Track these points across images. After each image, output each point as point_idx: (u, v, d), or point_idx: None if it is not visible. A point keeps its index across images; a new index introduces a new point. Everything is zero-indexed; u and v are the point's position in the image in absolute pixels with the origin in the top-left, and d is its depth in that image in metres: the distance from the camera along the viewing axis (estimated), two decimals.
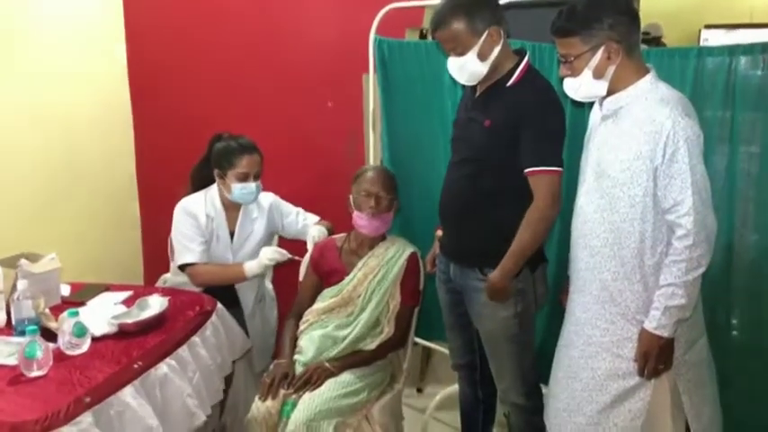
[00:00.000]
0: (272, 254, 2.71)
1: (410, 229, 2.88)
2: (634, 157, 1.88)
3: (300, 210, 2.99)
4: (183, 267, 2.77)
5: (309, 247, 2.76)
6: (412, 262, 2.56)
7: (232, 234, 2.84)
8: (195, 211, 2.79)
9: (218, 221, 2.81)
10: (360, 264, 2.55)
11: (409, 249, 2.58)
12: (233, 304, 2.76)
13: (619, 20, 1.87)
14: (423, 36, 3.20)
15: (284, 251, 2.73)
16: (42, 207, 2.94)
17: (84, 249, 3.15)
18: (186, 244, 2.76)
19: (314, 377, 2.37)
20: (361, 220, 2.52)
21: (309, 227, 2.90)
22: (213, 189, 2.84)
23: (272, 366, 2.49)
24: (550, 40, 2.01)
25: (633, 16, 1.92)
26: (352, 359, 2.46)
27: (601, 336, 2.02)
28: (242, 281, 2.78)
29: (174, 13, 3.38)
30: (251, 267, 2.71)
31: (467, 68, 2.18)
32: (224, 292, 2.74)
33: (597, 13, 1.88)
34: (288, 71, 3.28)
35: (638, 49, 1.96)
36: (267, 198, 2.93)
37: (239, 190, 2.73)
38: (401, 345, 2.61)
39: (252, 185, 2.75)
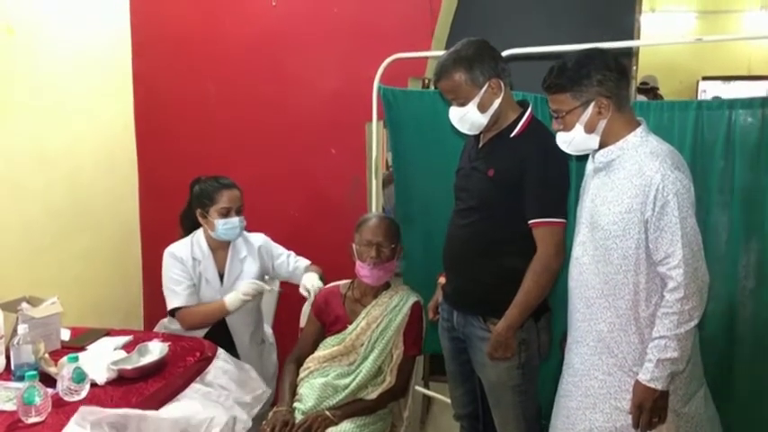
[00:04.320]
0: (246, 287, 2.70)
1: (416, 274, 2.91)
2: (625, 209, 1.90)
3: (291, 253, 2.98)
4: (173, 313, 2.77)
5: (304, 293, 2.74)
6: (415, 311, 2.55)
7: (222, 276, 2.83)
8: (181, 255, 2.79)
9: (205, 264, 2.80)
10: (363, 312, 2.54)
11: (413, 298, 2.57)
12: (228, 349, 2.74)
13: (608, 76, 1.92)
14: (425, 86, 3.26)
15: (260, 283, 2.72)
16: (44, 249, 2.94)
17: (84, 292, 3.14)
18: (173, 288, 2.76)
19: (314, 426, 2.34)
20: (364, 270, 2.52)
21: (301, 270, 2.90)
22: (199, 232, 2.85)
23: (271, 414, 2.46)
24: None
25: (621, 72, 1.97)
26: (353, 408, 2.43)
27: (599, 387, 2.02)
28: (226, 314, 2.74)
29: (181, 59, 3.44)
30: (231, 300, 2.70)
31: (467, 119, 2.22)
32: (218, 335, 2.73)
33: (586, 70, 1.93)
34: (292, 118, 3.32)
35: (628, 103, 2.01)
36: (258, 239, 2.93)
37: (222, 226, 2.74)
38: (402, 394, 2.58)
39: (235, 220, 2.75)
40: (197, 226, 2.87)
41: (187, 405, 2.21)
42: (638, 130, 1.96)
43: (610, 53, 1.99)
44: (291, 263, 2.95)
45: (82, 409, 1.95)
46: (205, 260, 2.81)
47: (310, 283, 2.76)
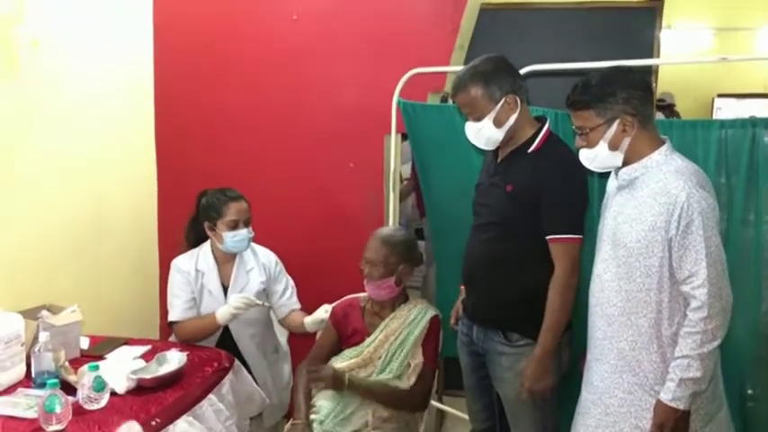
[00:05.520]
0: (236, 301, 2.68)
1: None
2: (649, 227, 1.90)
3: (291, 288, 2.96)
4: (171, 326, 2.79)
5: (322, 313, 2.72)
6: (434, 325, 2.53)
7: (227, 288, 2.81)
8: (184, 267, 2.81)
9: (209, 276, 2.81)
10: (381, 325, 2.53)
11: (431, 312, 2.55)
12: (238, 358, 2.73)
13: (633, 94, 1.92)
14: (444, 100, 3.28)
15: (251, 297, 2.71)
16: (63, 258, 2.96)
17: (102, 301, 3.15)
18: (171, 301, 2.79)
19: (325, 380, 2.39)
20: (364, 284, 2.55)
21: (285, 310, 2.90)
22: (206, 245, 2.86)
23: (288, 426, 2.46)
24: None
25: (646, 90, 1.98)
26: (368, 389, 2.44)
27: (619, 405, 2.01)
28: (218, 328, 2.74)
29: (202, 72, 3.45)
30: (221, 314, 2.69)
31: (483, 134, 2.23)
32: (226, 346, 2.73)
33: (611, 88, 1.93)
34: (311, 131, 3.33)
35: (653, 121, 2.00)
36: (268, 255, 2.93)
37: (231, 238, 2.74)
38: (421, 404, 2.53)
39: (243, 232, 2.75)
40: (202, 239, 2.88)
41: None
42: (663, 149, 1.95)
43: (636, 71, 1.99)
44: (285, 296, 2.92)
45: (130, 423, 1.96)
46: (209, 272, 2.81)
47: (323, 310, 2.72)
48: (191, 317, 2.77)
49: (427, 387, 2.53)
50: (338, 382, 2.40)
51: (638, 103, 1.92)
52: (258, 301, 2.72)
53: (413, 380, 2.48)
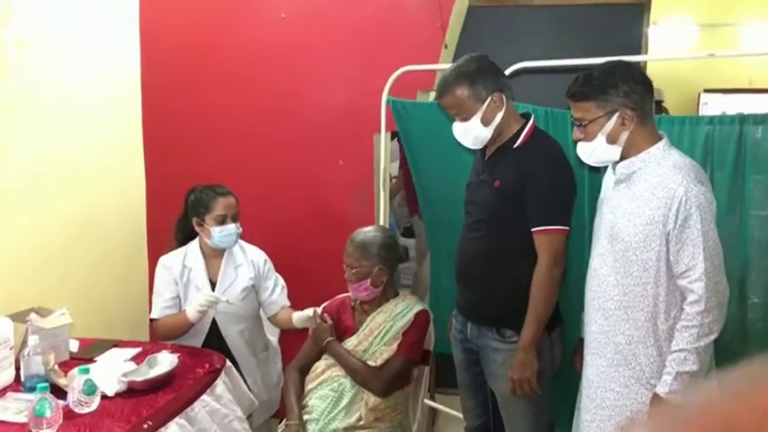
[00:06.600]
0: (201, 299, 2.68)
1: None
2: (647, 221, 1.90)
3: (281, 285, 2.95)
4: (152, 323, 2.81)
5: (308, 313, 2.70)
6: (419, 318, 2.52)
7: (215, 284, 2.81)
8: (170, 264, 2.81)
9: (195, 271, 2.80)
10: (368, 319, 2.54)
11: (419, 306, 2.55)
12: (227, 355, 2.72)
13: (633, 88, 1.93)
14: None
15: (216, 295, 2.70)
16: (52, 260, 2.93)
17: (91, 303, 3.12)
18: (154, 298, 2.81)
19: (317, 329, 2.55)
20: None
21: (276, 307, 2.90)
22: (194, 242, 2.86)
23: (283, 427, 2.45)
24: (562, 105, 2.06)
25: (647, 85, 1.98)
26: (340, 354, 2.50)
27: (615, 399, 2.01)
28: (191, 326, 2.72)
29: (189, 71, 3.43)
30: (190, 312, 2.69)
31: (471, 133, 2.23)
32: (215, 344, 2.72)
33: (613, 81, 1.94)
34: (301, 129, 3.31)
35: (652, 116, 2.01)
36: (257, 252, 2.92)
37: (219, 233, 2.74)
38: (380, 391, 2.46)
39: (231, 227, 2.76)
40: (190, 237, 2.87)
41: None
42: (661, 144, 1.96)
43: (636, 66, 2.00)
44: (275, 293, 2.91)
45: None
46: (197, 268, 2.81)
47: (309, 312, 2.70)
48: (169, 314, 2.77)
49: (392, 373, 2.46)
50: (320, 338, 2.54)
51: (638, 97, 1.93)
52: (223, 298, 2.69)
53: (379, 362, 2.47)
